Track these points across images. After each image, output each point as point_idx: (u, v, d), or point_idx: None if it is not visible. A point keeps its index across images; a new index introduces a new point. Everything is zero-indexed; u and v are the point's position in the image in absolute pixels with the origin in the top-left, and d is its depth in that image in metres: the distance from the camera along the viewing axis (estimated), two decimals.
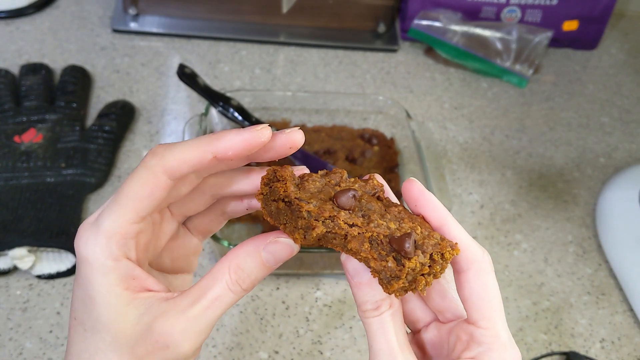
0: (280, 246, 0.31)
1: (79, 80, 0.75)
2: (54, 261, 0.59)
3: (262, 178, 0.31)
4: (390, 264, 0.28)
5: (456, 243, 0.30)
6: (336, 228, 0.29)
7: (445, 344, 0.32)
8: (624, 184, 0.73)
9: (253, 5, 0.86)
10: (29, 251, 0.58)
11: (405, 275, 0.28)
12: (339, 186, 0.32)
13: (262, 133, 0.30)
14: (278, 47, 0.88)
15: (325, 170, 0.32)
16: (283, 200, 0.30)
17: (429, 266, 0.29)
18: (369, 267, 0.29)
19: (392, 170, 0.71)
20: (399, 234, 0.29)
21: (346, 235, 0.29)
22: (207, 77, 0.80)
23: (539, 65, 0.92)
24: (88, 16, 0.87)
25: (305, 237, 0.29)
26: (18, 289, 0.58)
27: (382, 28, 0.90)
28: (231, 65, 0.84)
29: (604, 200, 0.72)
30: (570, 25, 0.93)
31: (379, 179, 0.33)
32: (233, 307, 0.59)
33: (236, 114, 0.68)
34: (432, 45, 0.88)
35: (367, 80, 0.86)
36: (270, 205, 0.31)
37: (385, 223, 0.30)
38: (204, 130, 0.66)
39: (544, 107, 0.87)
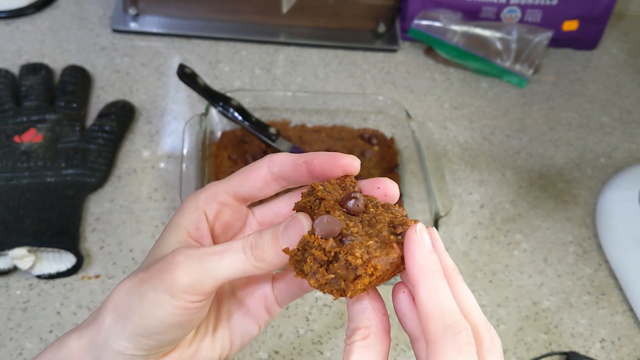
0: (295, 222, 0.31)
1: (79, 80, 0.75)
2: (54, 261, 0.59)
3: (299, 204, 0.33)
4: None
5: (369, 265, 0.28)
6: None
7: None
8: (624, 184, 0.73)
9: (253, 5, 0.86)
10: (29, 251, 0.58)
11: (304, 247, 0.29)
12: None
13: (348, 158, 0.33)
14: (278, 47, 0.88)
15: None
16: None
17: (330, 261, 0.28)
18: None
19: (392, 171, 0.71)
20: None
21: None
22: (207, 77, 0.80)
23: (539, 65, 0.92)
24: (88, 16, 0.87)
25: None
26: (18, 289, 0.58)
27: (382, 28, 0.90)
28: (231, 65, 0.84)
29: (604, 200, 0.72)
30: (570, 25, 0.93)
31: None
32: None
33: (236, 114, 0.68)
34: (432, 45, 0.88)
35: (367, 80, 0.86)
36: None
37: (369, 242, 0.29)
38: (204, 130, 0.66)
39: (544, 107, 0.87)
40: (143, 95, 0.78)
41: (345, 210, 0.31)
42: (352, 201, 0.31)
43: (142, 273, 0.31)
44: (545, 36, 0.87)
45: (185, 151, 0.65)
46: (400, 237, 0.30)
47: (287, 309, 0.60)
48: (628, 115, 0.88)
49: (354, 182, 0.33)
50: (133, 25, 0.85)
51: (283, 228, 0.31)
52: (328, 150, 0.71)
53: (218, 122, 0.71)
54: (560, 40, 0.94)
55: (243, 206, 0.36)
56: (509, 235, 0.70)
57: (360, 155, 0.71)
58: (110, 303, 0.32)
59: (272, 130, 0.68)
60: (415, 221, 0.30)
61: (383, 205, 0.32)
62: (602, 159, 0.81)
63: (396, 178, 0.70)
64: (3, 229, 0.58)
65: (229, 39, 0.87)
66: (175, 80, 0.78)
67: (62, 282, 0.59)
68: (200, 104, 0.77)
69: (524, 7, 0.90)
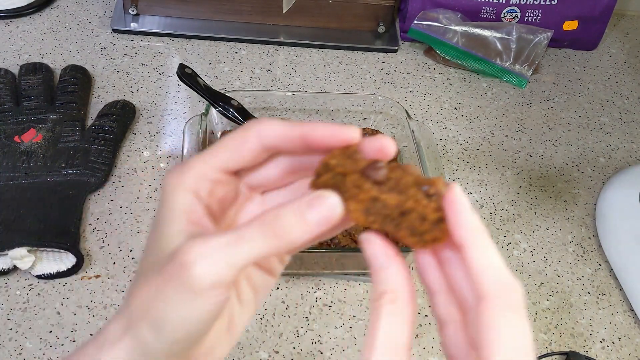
0: (323, 200, 0.29)
1: (79, 80, 0.75)
2: (54, 261, 0.59)
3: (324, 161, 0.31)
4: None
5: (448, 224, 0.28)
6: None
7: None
8: (624, 184, 0.73)
9: (253, 5, 0.86)
10: (29, 251, 0.57)
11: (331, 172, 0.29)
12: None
13: (350, 131, 0.31)
14: (278, 47, 0.88)
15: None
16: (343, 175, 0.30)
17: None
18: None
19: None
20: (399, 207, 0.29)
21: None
22: (207, 77, 0.80)
23: (539, 65, 0.92)
24: (88, 16, 0.87)
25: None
26: (18, 289, 0.58)
27: (382, 28, 0.90)
28: (231, 65, 0.84)
29: (604, 200, 0.72)
30: (570, 25, 0.93)
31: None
32: None
33: (236, 114, 0.68)
34: (432, 45, 0.88)
35: (367, 80, 0.86)
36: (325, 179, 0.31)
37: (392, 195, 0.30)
38: (204, 130, 0.66)
39: (544, 107, 0.87)
40: (143, 95, 0.78)
41: (372, 180, 0.30)
42: (378, 171, 0.30)
43: (157, 276, 0.30)
44: (545, 36, 0.87)
45: (185, 151, 0.65)
46: (433, 198, 0.29)
47: (287, 308, 0.60)
48: (628, 115, 0.88)
49: (357, 150, 0.32)
50: (133, 25, 0.85)
51: (307, 205, 0.29)
52: None
53: (218, 122, 0.71)
54: (560, 40, 0.94)
55: (233, 177, 0.34)
56: (508, 235, 0.70)
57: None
58: (135, 312, 0.30)
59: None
60: (439, 179, 0.30)
61: (398, 167, 0.31)
62: (602, 159, 0.81)
63: None
64: (3, 229, 0.58)
65: (229, 39, 0.87)
66: (175, 80, 0.78)
67: (62, 282, 0.59)
68: (200, 104, 0.77)
69: (523, 7, 0.90)
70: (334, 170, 0.30)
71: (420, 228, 0.29)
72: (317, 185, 0.31)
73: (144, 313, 0.30)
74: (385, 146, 0.31)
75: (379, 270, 0.30)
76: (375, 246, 0.30)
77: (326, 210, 0.29)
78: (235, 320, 0.35)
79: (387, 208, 0.29)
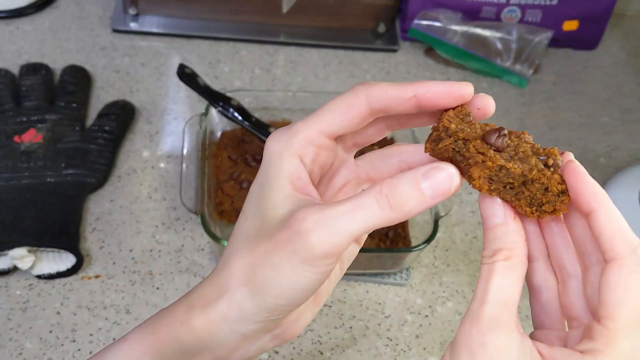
0: (440, 172, 0.29)
1: (79, 80, 0.75)
2: (54, 261, 0.59)
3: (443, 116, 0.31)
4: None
5: (565, 190, 0.29)
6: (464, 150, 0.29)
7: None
8: (624, 184, 0.73)
9: (253, 5, 0.86)
10: (29, 251, 0.58)
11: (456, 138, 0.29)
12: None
13: (465, 86, 0.31)
14: (278, 47, 0.88)
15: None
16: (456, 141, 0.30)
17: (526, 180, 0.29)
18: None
19: None
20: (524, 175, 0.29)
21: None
22: (207, 77, 0.80)
23: (539, 65, 0.91)
24: (88, 16, 0.87)
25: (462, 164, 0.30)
26: (18, 289, 0.58)
27: (382, 28, 0.90)
28: (231, 65, 0.84)
29: None
30: (570, 25, 0.93)
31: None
32: None
33: (236, 114, 0.68)
34: (432, 45, 0.88)
35: (367, 80, 0.86)
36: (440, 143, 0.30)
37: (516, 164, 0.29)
38: (204, 130, 0.66)
39: (544, 107, 0.86)
40: (143, 95, 0.78)
41: (493, 148, 0.30)
42: (500, 138, 0.30)
43: (265, 242, 0.30)
44: (545, 36, 0.87)
45: (185, 151, 0.65)
46: (552, 169, 0.30)
47: None
48: (628, 115, 0.88)
49: (469, 112, 0.31)
50: (133, 25, 0.85)
51: (423, 177, 0.29)
52: None
53: (218, 122, 0.71)
54: (560, 40, 0.94)
55: (335, 142, 0.33)
56: None
57: (360, 155, 0.71)
58: (235, 277, 0.30)
59: (272, 130, 0.68)
60: (554, 149, 0.31)
61: (512, 133, 0.32)
62: (603, 158, 0.81)
63: None
64: (3, 229, 0.58)
65: (229, 39, 0.87)
66: (175, 80, 0.78)
67: (62, 282, 0.59)
68: (200, 104, 0.77)
69: (524, 7, 0.90)
70: (455, 135, 0.30)
71: (541, 199, 0.29)
72: (437, 151, 0.30)
73: (247, 278, 0.30)
74: (487, 104, 0.32)
75: (494, 228, 0.30)
76: (494, 203, 0.30)
77: (444, 182, 0.29)
78: (322, 290, 0.35)
79: (511, 177, 0.29)
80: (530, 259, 0.32)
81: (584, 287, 0.31)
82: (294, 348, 0.57)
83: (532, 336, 0.32)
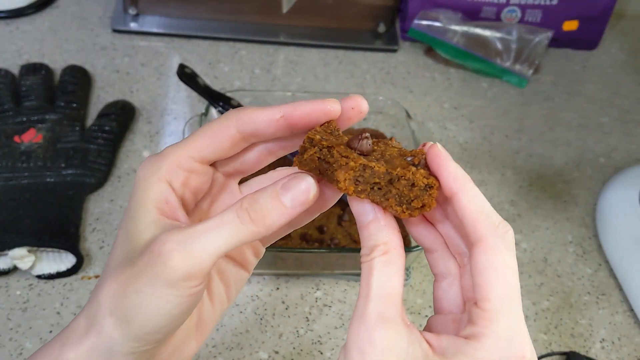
0: (298, 182, 0.29)
1: (79, 80, 0.75)
2: (54, 261, 0.59)
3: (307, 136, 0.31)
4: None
5: (434, 180, 0.29)
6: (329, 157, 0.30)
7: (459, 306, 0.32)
8: (624, 184, 0.73)
9: (253, 5, 0.86)
10: (29, 251, 0.58)
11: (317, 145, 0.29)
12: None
13: (332, 103, 0.31)
14: (278, 47, 0.88)
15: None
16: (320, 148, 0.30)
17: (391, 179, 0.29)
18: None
19: None
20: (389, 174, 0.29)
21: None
22: (207, 77, 0.80)
23: (539, 65, 0.92)
24: (88, 16, 0.87)
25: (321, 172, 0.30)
26: (18, 289, 0.58)
27: (382, 28, 0.90)
28: (231, 65, 0.84)
29: (604, 200, 0.72)
30: (570, 25, 0.93)
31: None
32: (232, 307, 0.59)
33: None
34: (432, 45, 0.88)
35: (367, 80, 0.86)
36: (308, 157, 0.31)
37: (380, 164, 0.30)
38: None
39: (544, 107, 0.87)
40: (143, 95, 0.78)
41: (358, 151, 0.30)
42: (363, 141, 0.30)
43: (129, 268, 0.29)
44: (545, 36, 0.87)
45: None
46: (419, 167, 0.30)
47: (287, 309, 0.60)
48: (627, 115, 0.88)
49: (336, 127, 0.32)
50: (133, 25, 0.85)
51: (282, 188, 0.29)
52: None
53: None
54: (560, 40, 0.94)
55: (208, 167, 0.33)
56: None
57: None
58: (102, 307, 0.29)
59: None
60: (421, 150, 0.31)
61: (380, 140, 0.32)
62: (602, 159, 0.81)
63: None
64: (3, 229, 0.58)
65: (229, 39, 0.87)
66: (175, 80, 0.78)
67: (62, 282, 0.59)
68: (200, 104, 0.77)
69: (524, 7, 0.90)
70: (319, 144, 0.30)
71: (409, 195, 0.29)
72: (302, 161, 0.31)
73: (112, 307, 0.29)
74: (359, 104, 0.32)
75: (368, 225, 0.30)
76: (363, 202, 0.30)
77: (302, 191, 0.29)
78: (205, 317, 0.34)
79: (376, 176, 0.30)
80: (430, 251, 0.33)
81: (463, 275, 0.32)
82: (294, 348, 0.57)
83: (428, 322, 0.33)
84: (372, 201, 0.30)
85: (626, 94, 0.91)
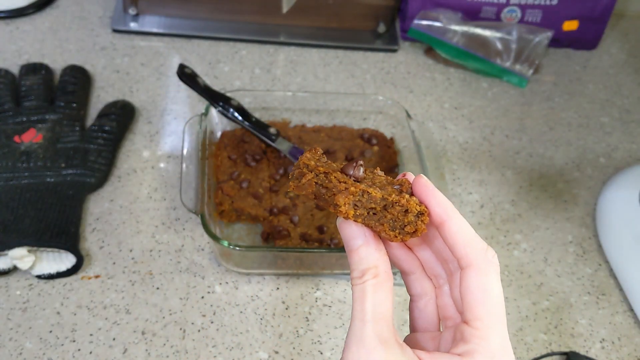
0: None
1: (79, 80, 0.75)
2: (54, 261, 0.59)
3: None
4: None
5: (425, 209, 0.31)
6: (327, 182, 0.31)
7: (435, 324, 0.34)
8: (624, 184, 0.73)
9: (253, 5, 0.86)
10: (29, 251, 0.58)
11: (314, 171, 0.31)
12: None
13: None
14: (278, 47, 0.88)
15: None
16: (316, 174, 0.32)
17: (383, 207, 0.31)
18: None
19: (391, 170, 0.71)
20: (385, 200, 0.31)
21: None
22: (207, 77, 0.80)
23: (539, 65, 0.92)
24: (88, 16, 0.87)
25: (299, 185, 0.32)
26: (18, 289, 0.58)
27: (382, 28, 0.90)
28: (231, 65, 0.84)
29: (604, 200, 0.72)
30: (570, 25, 0.93)
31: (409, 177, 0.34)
32: (232, 307, 0.59)
33: (236, 114, 0.68)
34: (432, 45, 0.88)
35: (367, 80, 0.86)
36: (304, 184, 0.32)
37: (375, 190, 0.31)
38: (204, 130, 0.66)
39: (544, 107, 0.87)
40: (143, 95, 0.78)
41: (353, 178, 0.32)
42: (357, 168, 0.32)
43: None
44: (545, 36, 0.87)
45: (185, 151, 0.65)
46: (406, 194, 0.32)
47: (287, 309, 0.60)
48: (628, 115, 0.88)
49: (322, 154, 0.34)
50: (133, 25, 0.85)
51: None
52: (328, 150, 0.71)
53: (218, 122, 0.71)
54: (560, 40, 0.94)
55: None
56: (508, 235, 0.70)
57: (360, 155, 0.72)
58: None
59: (272, 130, 0.68)
60: (406, 179, 0.33)
61: (367, 169, 0.34)
62: (602, 159, 0.81)
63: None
64: (3, 229, 0.58)
65: (229, 39, 0.87)
66: (175, 80, 0.78)
67: (62, 282, 0.59)
68: (200, 104, 0.77)
69: (524, 7, 0.90)
70: (316, 170, 0.32)
71: (403, 220, 0.31)
72: (299, 186, 0.32)
73: None
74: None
75: (358, 249, 0.32)
76: (353, 226, 0.32)
77: None
78: None
79: (373, 201, 0.31)
80: (407, 273, 0.35)
81: (450, 290, 0.34)
82: (293, 348, 0.57)
83: (405, 341, 0.34)
84: (367, 225, 0.32)
85: (626, 94, 0.91)
